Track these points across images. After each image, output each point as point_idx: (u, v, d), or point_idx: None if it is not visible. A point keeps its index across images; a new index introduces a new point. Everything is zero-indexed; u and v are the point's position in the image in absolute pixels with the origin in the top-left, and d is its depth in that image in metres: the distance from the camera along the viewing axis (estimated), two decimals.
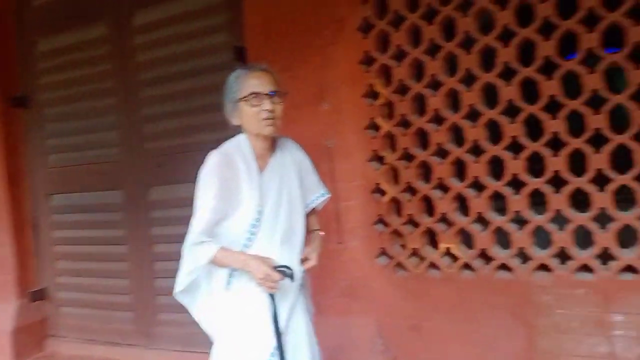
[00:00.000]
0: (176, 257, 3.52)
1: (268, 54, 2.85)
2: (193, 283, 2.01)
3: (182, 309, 3.54)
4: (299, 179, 2.03)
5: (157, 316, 3.61)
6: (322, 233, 2.11)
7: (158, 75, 3.47)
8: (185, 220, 3.43)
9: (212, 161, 1.92)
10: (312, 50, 2.86)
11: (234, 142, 1.98)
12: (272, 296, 1.88)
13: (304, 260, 1.99)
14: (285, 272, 1.85)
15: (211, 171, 1.91)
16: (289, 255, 1.96)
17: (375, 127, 2.79)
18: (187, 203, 3.39)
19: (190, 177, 3.32)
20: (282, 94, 1.91)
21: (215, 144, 1.98)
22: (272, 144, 2.00)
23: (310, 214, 2.13)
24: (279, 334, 1.88)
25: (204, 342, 3.49)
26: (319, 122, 2.85)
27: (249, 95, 1.87)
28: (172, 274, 3.57)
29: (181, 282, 2.00)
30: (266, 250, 1.91)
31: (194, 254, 1.93)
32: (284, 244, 1.96)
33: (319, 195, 2.14)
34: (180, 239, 3.46)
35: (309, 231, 2.11)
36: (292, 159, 2.04)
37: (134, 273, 3.68)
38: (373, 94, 2.79)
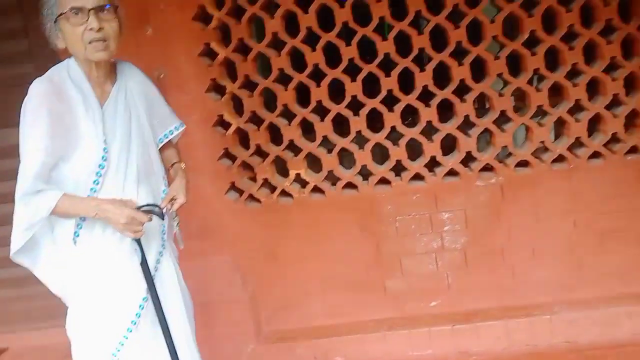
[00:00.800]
0: None
1: None
2: (31, 240, 1.62)
3: None
4: (147, 109, 1.78)
5: None
6: (183, 165, 1.92)
7: None
8: None
9: (37, 91, 1.55)
10: None
11: (62, 67, 1.63)
12: (138, 241, 1.67)
13: (170, 201, 1.79)
14: (153, 210, 1.65)
15: (37, 104, 1.54)
16: (147, 195, 1.74)
17: (211, 54, 2.57)
18: None
19: None
20: (113, 7, 1.59)
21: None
22: (112, 70, 1.70)
23: (166, 147, 1.92)
24: (151, 281, 1.70)
25: (23, 319, 3.00)
26: (144, 51, 2.49)
27: (69, 10, 1.52)
28: None
29: (17, 240, 1.61)
30: (120, 193, 1.66)
31: (31, 206, 1.55)
32: (140, 183, 1.73)
33: (172, 129, 1.92)
34: None
35: (168, 166, 1.90)
36: (138, 88, 1.76)
37: None
38: (205, 17, 2.54)
